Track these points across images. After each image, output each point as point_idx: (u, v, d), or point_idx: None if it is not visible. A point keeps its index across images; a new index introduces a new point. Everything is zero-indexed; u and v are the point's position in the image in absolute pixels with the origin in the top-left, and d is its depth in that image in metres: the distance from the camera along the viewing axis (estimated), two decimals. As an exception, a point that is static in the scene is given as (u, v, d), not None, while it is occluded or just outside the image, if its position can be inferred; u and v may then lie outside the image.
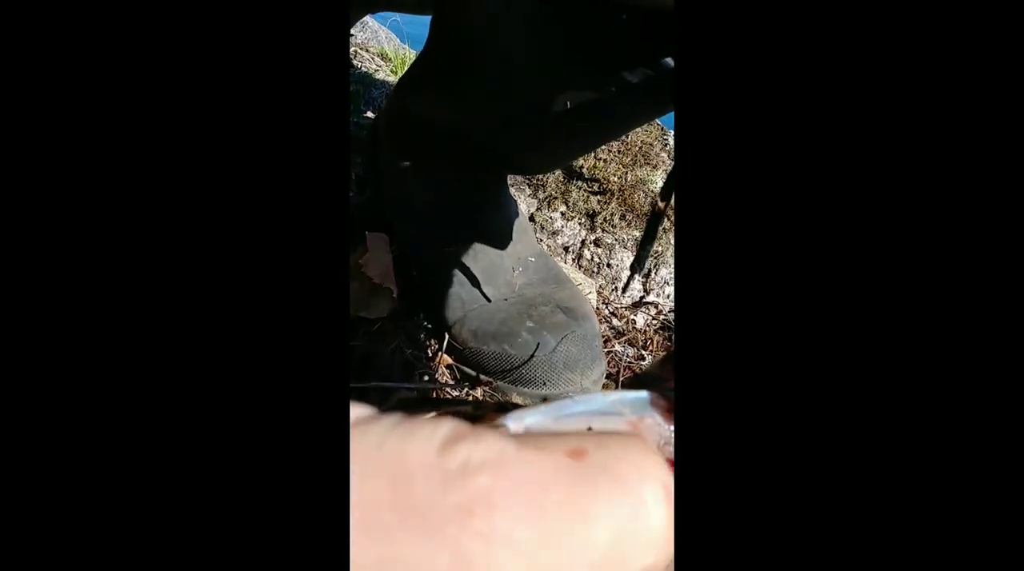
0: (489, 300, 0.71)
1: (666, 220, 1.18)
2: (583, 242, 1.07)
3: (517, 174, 0.94)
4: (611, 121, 0.64)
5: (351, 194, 0.86)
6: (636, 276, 0.75)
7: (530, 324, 0.68)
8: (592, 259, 1.05)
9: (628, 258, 1.08)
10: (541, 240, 1.03)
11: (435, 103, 0.68)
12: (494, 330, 0.68)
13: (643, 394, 0.18)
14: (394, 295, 0.69)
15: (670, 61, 0.49)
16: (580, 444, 0.12)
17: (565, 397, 0.30)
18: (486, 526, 0.10)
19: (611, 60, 0.50)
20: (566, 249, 1.06)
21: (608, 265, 1.05)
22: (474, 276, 0.71)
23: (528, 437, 0.14)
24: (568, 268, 1.01)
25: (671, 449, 0.17)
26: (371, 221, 0.78)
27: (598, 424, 0.16)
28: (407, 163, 0.74)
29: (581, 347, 0.68)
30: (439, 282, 0.71)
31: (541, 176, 1.16)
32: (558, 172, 1.19)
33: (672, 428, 0.17)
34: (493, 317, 0.69)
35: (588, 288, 0.98)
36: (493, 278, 0.72)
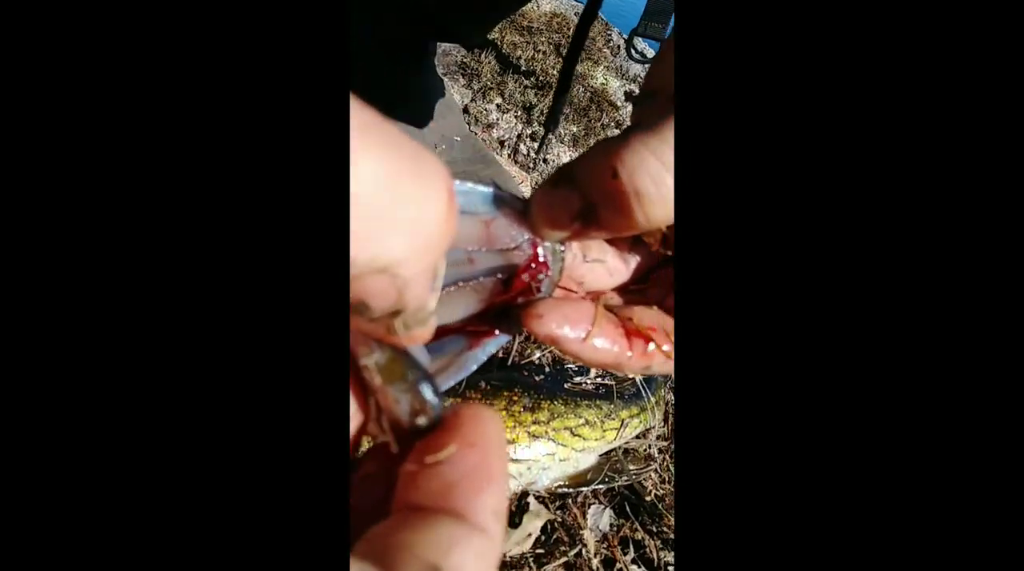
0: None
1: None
2: (519, 136, 1.04)
3: (446, 41, 0.89)
4: None
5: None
6: (550, 134, 0.72)
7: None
8: (528, 154, 1.02)
9: (565, 153, 1.05)
10: (476, 134, 0.98)
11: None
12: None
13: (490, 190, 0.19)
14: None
15: None
16: None
17: None
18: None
19: None
20: (502, 143, 1.02)
21: (544, 160, 1.02)
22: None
23: None
24: (503, 162, 0.97)
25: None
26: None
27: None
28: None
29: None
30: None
31: (475, 65, 1.11)
32: (493, 61, 1.14)
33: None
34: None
35: (522, 183, 0.95)
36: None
